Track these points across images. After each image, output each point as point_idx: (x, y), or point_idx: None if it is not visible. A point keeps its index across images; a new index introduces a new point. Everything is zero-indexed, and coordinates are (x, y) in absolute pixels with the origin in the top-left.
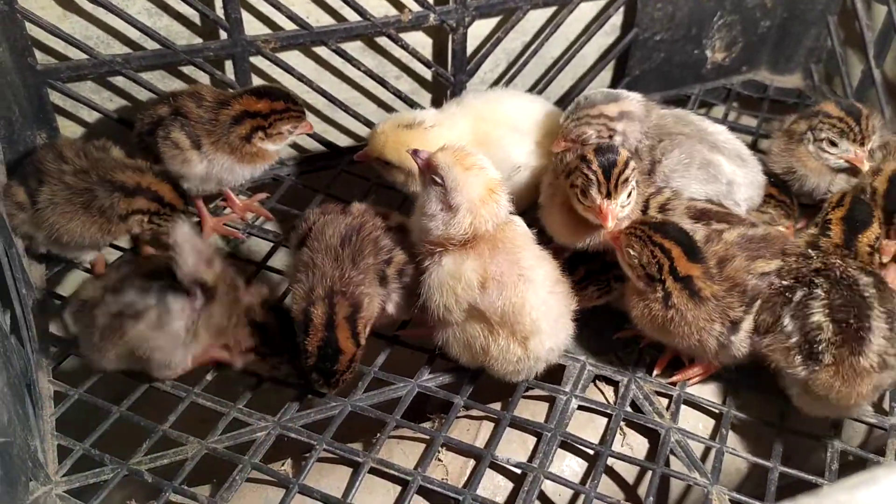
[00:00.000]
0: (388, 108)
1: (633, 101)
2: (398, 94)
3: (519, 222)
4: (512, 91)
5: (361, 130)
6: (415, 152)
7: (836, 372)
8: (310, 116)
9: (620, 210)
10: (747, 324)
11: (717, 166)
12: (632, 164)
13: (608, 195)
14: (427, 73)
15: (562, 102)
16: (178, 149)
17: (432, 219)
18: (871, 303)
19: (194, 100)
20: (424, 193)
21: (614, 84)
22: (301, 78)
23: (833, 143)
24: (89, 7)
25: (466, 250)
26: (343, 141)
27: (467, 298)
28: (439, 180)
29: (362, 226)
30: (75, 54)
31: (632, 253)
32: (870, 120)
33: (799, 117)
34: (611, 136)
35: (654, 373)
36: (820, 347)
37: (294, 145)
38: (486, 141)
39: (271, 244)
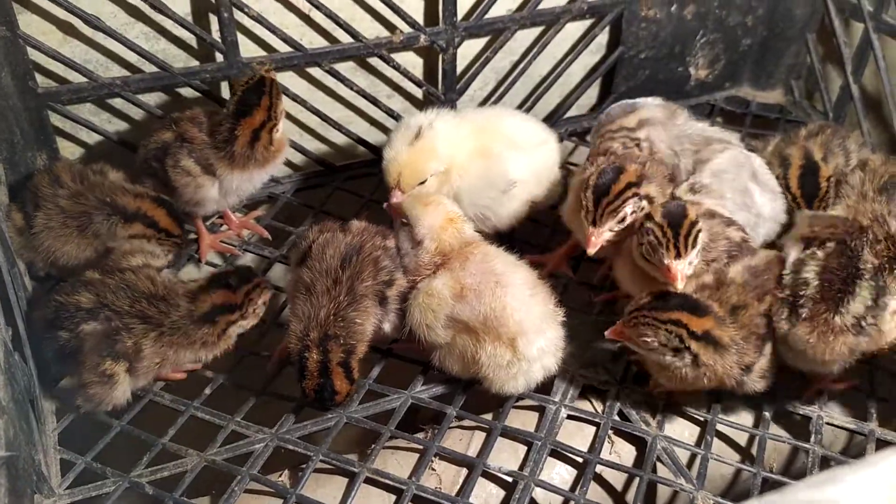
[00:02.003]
0: (381, 126)
1: (650, 107)
2: (390, 112)
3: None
4: (507, 109)
5: (355, 148)
6: (387, 204)
7: (812, 327)
8: (304, 135)
9: (688, 268)
10: (760, 364)
11: (752, 195)
12: (699, 222)
13: (678, 255)
14: (418, 92)
15: (550, 119)
16: (190, 175)
17: (406, 255)
18: (863, 274)
19: (195, 124)
20: (398, 236)
21: (601, 101)
22: (295, 98)
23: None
24: (89, 32)
25: (438, 270)
26: (337, 159)
27: (444, 311)
28: (406, 220)
29: (362, 245)
30: (75, 77)
31: (648, 340)
32: (826, 200)
33: (783, 142)
34: (637, 146)
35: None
36: (801, 301)
37: (289, 163)
38: (487, 153)
39: (267, 261)
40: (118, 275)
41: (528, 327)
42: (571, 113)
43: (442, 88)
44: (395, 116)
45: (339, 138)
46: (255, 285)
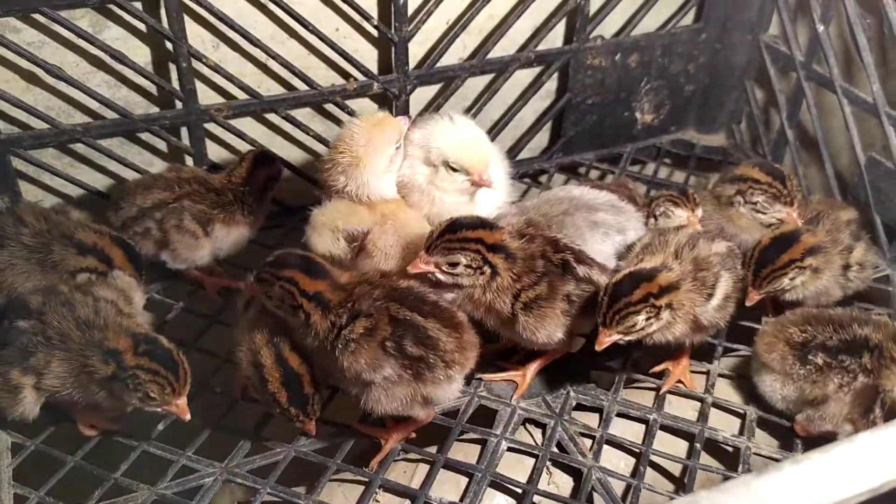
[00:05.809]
0: None
1: None
2: None
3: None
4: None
5: (311, 190)
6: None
7: None
8: None
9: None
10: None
11: (603, 223)
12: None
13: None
14: None
15: None
16: (195, 237)
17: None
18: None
19: (198, 183)
20: None
21: (551, 144)
22: (253, 142)
23: (766, 206)
24: (51, 80)
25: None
26: (295, 201)
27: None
28: None
29: None
30: (37, 123)
31: (270, 296)
32: (792, 179)
33: (721, 180)
34: None
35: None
36: None
37: None
38: None
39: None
40: (65, 294)
41: None
42: (524, 155)
43: None
44: None
45: (296, 181)
46: (152, 370)
